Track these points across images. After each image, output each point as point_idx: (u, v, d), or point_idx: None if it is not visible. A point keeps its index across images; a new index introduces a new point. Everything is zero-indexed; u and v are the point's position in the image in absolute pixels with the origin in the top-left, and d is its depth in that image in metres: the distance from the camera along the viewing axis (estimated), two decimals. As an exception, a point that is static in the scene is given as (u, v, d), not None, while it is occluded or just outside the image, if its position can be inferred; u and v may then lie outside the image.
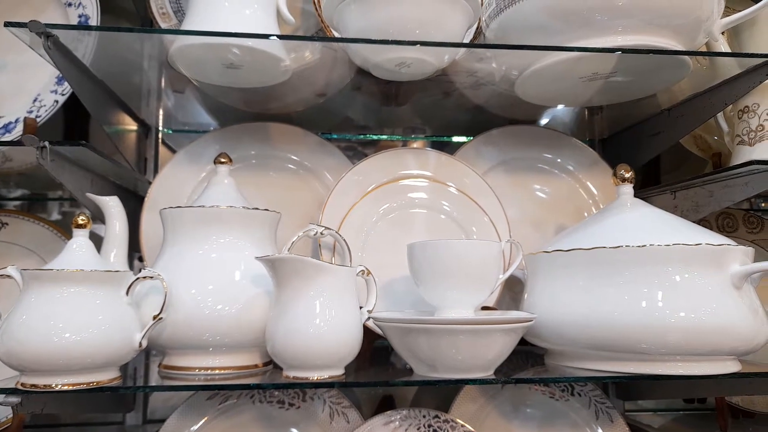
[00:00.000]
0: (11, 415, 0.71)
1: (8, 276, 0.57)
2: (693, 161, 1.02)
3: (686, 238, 0.62)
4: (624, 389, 0.95)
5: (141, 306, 0.61)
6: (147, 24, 0.91)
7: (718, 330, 0.60)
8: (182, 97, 0.94)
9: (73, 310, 0.55)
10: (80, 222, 0.60)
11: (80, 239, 0.59)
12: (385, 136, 1.09)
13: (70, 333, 0.54)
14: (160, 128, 0.98)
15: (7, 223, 0.85)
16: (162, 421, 0.76)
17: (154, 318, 0.58)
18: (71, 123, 0.94)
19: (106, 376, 0.57)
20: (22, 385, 0.55)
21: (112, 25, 0.87)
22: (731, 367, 0.63)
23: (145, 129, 0.95)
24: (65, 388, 0.55)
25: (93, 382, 0.56)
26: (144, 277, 0.59)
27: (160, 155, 0.98)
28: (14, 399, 0.54)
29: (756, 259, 0.65)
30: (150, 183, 0.85)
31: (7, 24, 0.59)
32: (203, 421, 0.76)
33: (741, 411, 0.92)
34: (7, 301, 0.66)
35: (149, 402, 0.90)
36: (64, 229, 0.88)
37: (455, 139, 1.09)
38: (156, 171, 0.94)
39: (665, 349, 0.61)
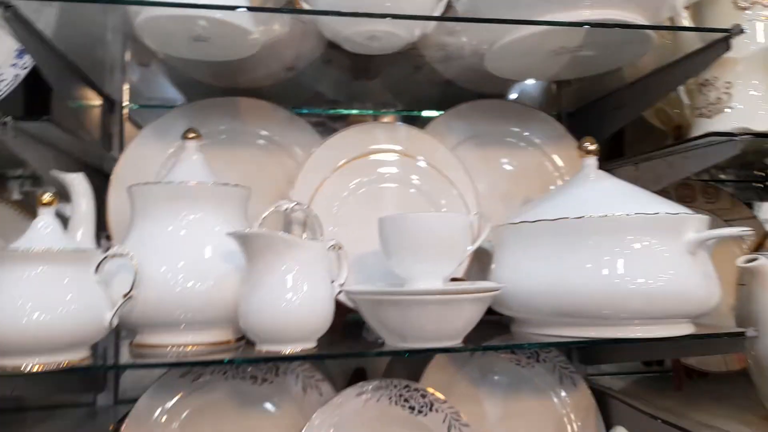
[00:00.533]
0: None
1: (-29, 256, 0.56)
2: (656, 134, 1.04)
3: (645, 208, 0.65)
4: (586, 354, 0.99)
5: (110, 284, 0.61)
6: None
7: (674, 295, 0.63)
8: (148, 71, 0.92)
9: (41, 289, 0.54)
10: (45, 200, 0.59)
11: (46, 217, 0.58)
12: (355, 111, 1.09)
13: (39, 313, 0.53)
14: (126, 103, 0.96)
15: (-34, 203, 0.83)
16: (134, 400, 0.76)
17: (124, 296, 0.58)
18: (31, 98, 0.90)
19: (77, 356, 0.57)
20: (-10, 366, 0.55)
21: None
22: (686, 329, 0.67)
23: (110, 104, 0.93)
24: (35, 369, 0.54)
25: (64, 362, 0.56)
26: (113, 255, 0.59)
27: (125, 131, 0.96)
28: (-17, 380, 0.54)
29: (713, 228, 0.68)
30: (116, 160, 0.83)
31: (-40, -6, 0.57)
32: (176, 399, 0.77)
33: (695, 371, 0.97)
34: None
35: (120, 382, 0.90)
36: (27, 208, 0.86)
37: (425, 113, 1.09)
38: (122, 147, 0.92)
39: (625, 314, 0.64)
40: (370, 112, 1.09)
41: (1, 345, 0.54)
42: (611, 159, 0.94)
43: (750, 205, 1.07)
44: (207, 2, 0.63)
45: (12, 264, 0.55)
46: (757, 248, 0.94)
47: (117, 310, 0.58)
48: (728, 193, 1.05)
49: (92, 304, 0.57)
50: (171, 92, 1.00)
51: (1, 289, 0.54)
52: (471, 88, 0.98)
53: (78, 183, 0.65)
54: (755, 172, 1.18)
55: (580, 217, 0.65)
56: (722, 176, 1.12)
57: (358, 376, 0.93)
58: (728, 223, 1.03)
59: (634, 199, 0.68)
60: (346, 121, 1.07)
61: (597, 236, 0.65)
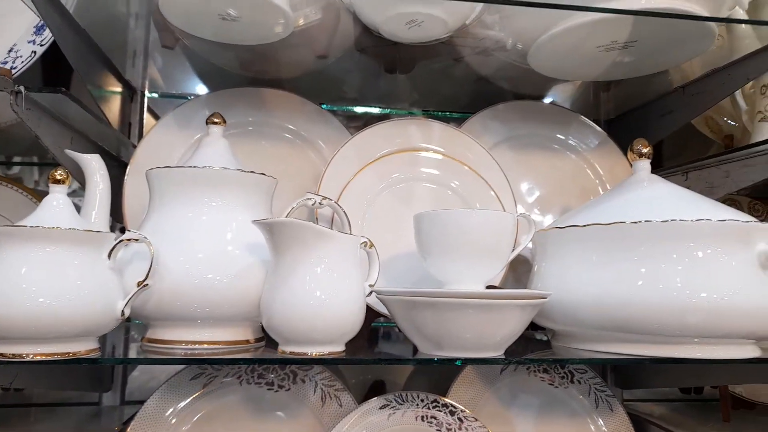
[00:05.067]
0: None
1: (-25, 234, 0.52)
2: (695, 146, 0.99)
3: (711, 215, 0.59)
4: (623, 377, 0.93)
5: (124, 273, 0.56)
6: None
7: (740, 312, 0.56)
8: (171, 58, 0.88)
9: (48, 272, 0.49)
10: (58, 177, 0.54)
11: (58, 195, 0.54)
12: (379, 110, 1.04)
13: (45, 297, 0.49)
14: (146, 92, 0.92)
15: (-23, 187, 0.79)
16: (141, 402, 0.71)
17: (139, 284, 0.53)
18: (51, 82, 0.87)
19: (84, 347, 0.52)
20: (-11, 354, 0.49)
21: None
22: (751, 351, 0.60)
23: (131, 92, 0.89)
24: (38, 358, 0.49)
25: (69, 353, 0.50)
26: (128, 240, 0.54)
27: (144, 121, 0.92)
28: (-21, 369, 0.49)
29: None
30: (135, 147, 0.79)
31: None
32: (187, 401, 0.71)
33: (742, 401, 0.90)
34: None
35: (128, 382, 0.85)
36: (42, 197, 0.81)
37: (455, 114, 1.05)
38: (141, 137, 0.88)
39: (681, 331, 0.57)
40: (396, 110, 1.05)
41: (1, 330, 0.48)
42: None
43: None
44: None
45: (19, 242, 0.50)
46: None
47: (130, 299, 0.53)
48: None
49: (103, 291, 0.52)
50: (192, 84, 0.97)
51: (6, 269, 0.49)
52: (507, 87, 0.93)
53: (93, 163, 0.61)
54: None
55: (638, 222, 0.59)
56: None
57: (376, 389, 0.87)
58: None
59: (695, 206, 0.62)
60: (372, 119, 1.03)
61: (655, 243, 0.58)
